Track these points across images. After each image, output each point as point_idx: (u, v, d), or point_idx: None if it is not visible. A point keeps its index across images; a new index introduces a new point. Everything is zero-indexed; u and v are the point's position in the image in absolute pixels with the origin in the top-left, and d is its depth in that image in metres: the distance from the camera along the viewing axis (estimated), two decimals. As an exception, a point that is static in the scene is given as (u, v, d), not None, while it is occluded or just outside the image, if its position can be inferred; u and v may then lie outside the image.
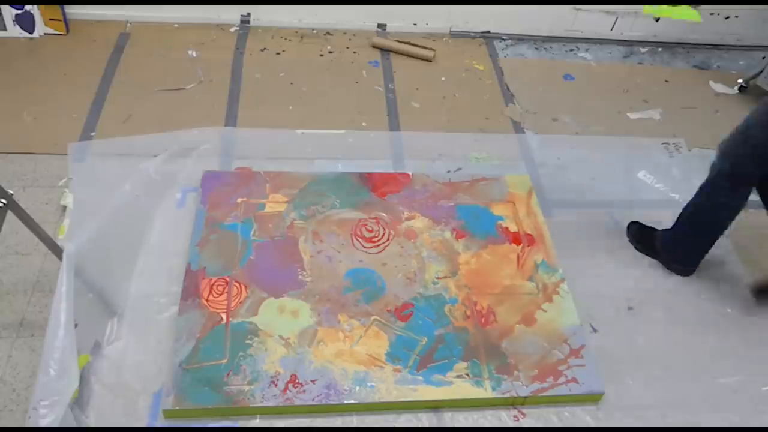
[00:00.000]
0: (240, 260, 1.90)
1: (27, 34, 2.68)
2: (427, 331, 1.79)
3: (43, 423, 1.38)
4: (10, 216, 1.45)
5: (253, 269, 1.88)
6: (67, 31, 2.74)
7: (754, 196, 2.42)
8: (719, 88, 2.97)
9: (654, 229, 2.14)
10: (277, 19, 2.92)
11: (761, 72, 2.81)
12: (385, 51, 2.91)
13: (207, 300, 1.79)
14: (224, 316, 1.76)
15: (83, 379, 1.58)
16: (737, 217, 2.10)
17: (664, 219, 2.27)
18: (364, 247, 1.99)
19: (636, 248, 2.15)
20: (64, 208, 2.00)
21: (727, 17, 3.13)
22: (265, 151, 2.31)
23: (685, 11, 1.83)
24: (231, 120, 2.41)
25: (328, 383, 1.64)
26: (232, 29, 2.91)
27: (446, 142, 2.46)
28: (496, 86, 2.80)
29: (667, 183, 2.41)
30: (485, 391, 1.67)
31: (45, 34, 2.71)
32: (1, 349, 1.68)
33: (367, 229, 2.05)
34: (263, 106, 2.50)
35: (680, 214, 2.04)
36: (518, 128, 2.59)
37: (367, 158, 2.34)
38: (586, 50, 3.11)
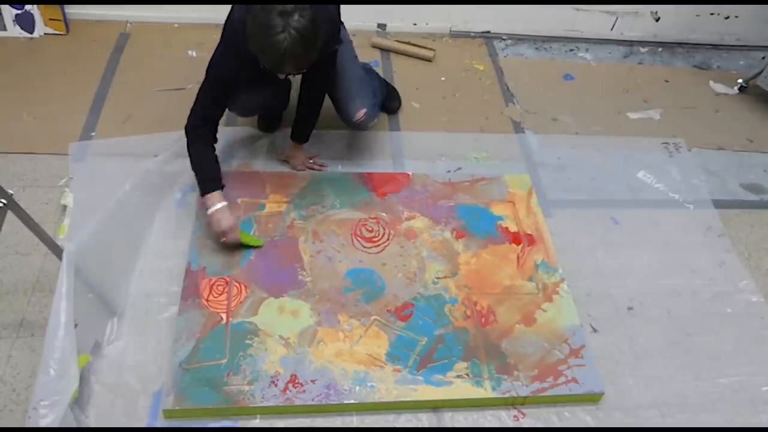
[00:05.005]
0: (240, 260, 1.90)
1: (27, 34, 2.68)
2: (427, 331, 1.79)
3: (43, 423, 1.38)
4: (10, 216, 1.45)
5: (253, 269, 1.88)
6: (67, 31, 2.74)
7: (752, 196, 2.43)
8: (719, 88, 2.97)
9: None
10: (277, 19, 2.92)
11: (761, 72, 2.81)
12: (385, 51, 2.90)
13: (207, 300, 1.79)
14: (224, 316, 1.76)
15: (83, 379, 1.58)
16: (737, 217, 2.09)
17: (664, 219, 2.27)
18: (364, 247, 1.99)
19: None
20: (65, 207, 2.00)
21: (727, 17, 3.13)
22: (265, 151, 2.31)
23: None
24: (231, 120, 2.40)
25: (328, 383, 1.64)
26: (232, 29, 2.91)
27: (446, 142, 2.46)
28: (496, 86, 2.80)
29: (667, 183, 2.41)
30: (485, 391, 1.67)
31: (45, 34, 2.71)
32: (1, 349, 1.68)
33: (367, 229, 2.05)
34: (263, 106, 2.50)
35: None
36: (518, 128, 2.59)
37: (368, 158, 2.34)
38: (586, 50, 3.11)
